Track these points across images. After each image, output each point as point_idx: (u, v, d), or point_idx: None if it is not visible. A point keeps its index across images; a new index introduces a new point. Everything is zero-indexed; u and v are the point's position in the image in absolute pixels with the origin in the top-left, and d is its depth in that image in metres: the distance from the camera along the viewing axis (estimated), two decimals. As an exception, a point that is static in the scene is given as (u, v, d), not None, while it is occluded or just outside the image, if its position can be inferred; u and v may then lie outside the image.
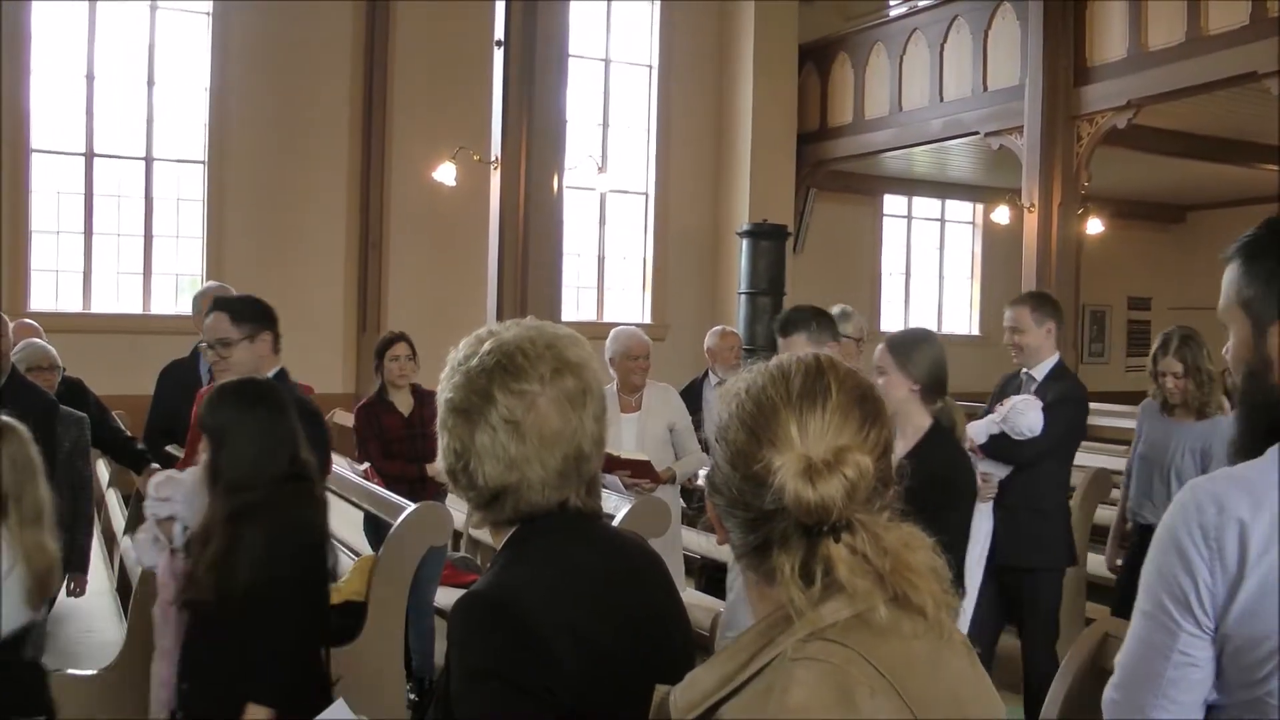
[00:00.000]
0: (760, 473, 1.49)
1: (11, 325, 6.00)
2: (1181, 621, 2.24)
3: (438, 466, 2.10)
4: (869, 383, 1.61)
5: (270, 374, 4.78)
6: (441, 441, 2.05)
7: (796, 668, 1.41)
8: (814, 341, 5.15)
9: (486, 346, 2.02)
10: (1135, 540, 6.31)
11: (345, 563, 6.25)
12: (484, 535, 8.14)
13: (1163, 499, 5.77)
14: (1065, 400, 5.66)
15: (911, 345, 4.50)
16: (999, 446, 5.57)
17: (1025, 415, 5.50)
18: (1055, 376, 5.80)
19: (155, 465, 6.23)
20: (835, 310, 8.18)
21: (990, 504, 5.45)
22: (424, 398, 6.91)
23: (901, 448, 4.07)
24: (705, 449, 8.03)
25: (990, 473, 5.53)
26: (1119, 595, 6.26)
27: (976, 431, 5.55)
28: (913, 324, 18.53)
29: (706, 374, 8.69)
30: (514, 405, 1.97)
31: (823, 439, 1.50)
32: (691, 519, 7.89)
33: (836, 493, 1.46)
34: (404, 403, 7.00)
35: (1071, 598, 7.37)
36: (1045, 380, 5.81)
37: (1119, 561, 6.68)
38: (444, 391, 2.05)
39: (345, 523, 8.25)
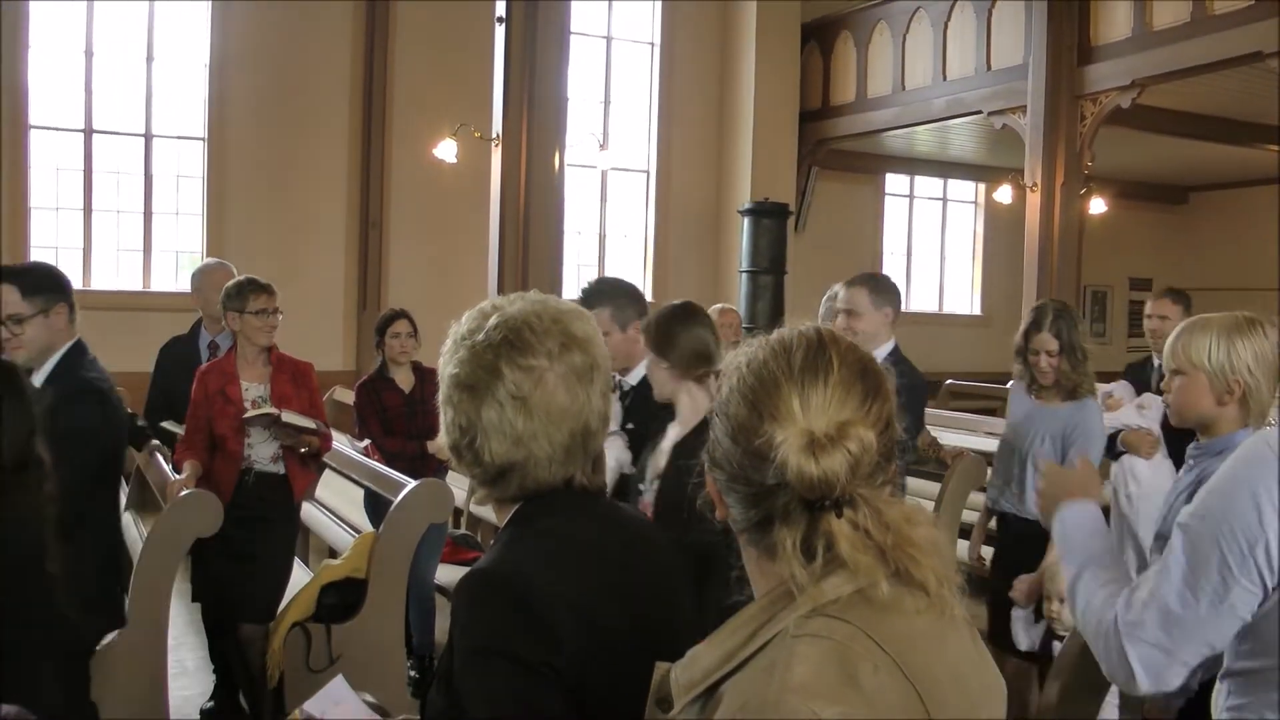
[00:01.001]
0: (762, 447, 1.48)
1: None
2: (1239, 574, 2.24)
3: (441, 442, 2.09)
4: (870, 356, 1.59)
5: (64, 349, 4.61)
6: (445, 417, 2.04)
7: (799, 644, 1.40)
8: (617, 319, 4.91)
9: (492, 321, 2.01)
10: (1000, 534, 5.76)
11: (346, 540, 6.26)
12: (484, 512, 8.17)
13: (1020, 488, 5.46)
14: (900, 390, 5.37)
15: (666, 326, 4.14)
16: None
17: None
18: (892, 364, 5.53)
19: (155, 442, 6.23)
20: (838, 288, 8.11)
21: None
22: (425, 375, 6.91)
23: (677, 433, 3.95)
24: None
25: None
26: (991, 603, 5.48)
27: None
28: (914, 304, 18.54)
29: (707, 352, 8.68)
30: (521, 381, 1.96)
31: (824, 413, 1.48)
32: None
33: (839, 467, 1.45)
34: (405, 380, 6.99)
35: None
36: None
37: (981, 554, 6.10)
38: (448, 366, 2.03)
39: (345, 500, 8.27)
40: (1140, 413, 6.06)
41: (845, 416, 1.49)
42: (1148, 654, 2.36)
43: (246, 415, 5.66)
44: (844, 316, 5.53)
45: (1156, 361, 6.10)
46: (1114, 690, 4.29)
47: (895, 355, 5.38)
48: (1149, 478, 5.88)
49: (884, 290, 5.64)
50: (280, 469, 5.75)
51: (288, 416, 5.66)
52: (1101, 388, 6.14)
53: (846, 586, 1.45)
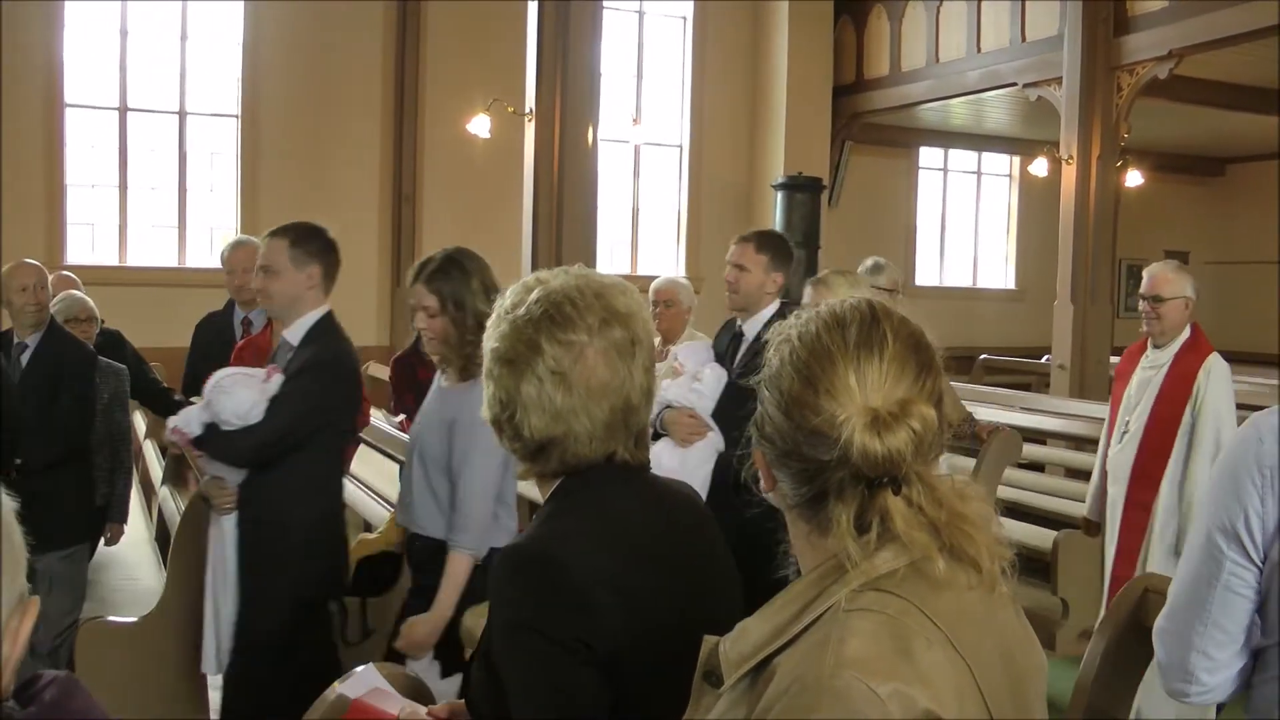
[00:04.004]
0: (821, 425, 1.47)
1: (50, 278, 6.03)
2: (1227, 550, 2.26)
3: (483, 416, 2.08)
4: (921, 330, 1.57)
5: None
6: (486, 391, 2.04)
7: (852, 618, 1.40)
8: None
9: (534, 295, 2.00)
10: None
11: (382, 514, 6.28)
12: (521, 487, 8.16)
13: (408, 499, 4.36)
14: (308, 370, 4.38)
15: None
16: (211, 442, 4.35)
17: (233, 395, 4.27)
18: (313, 337, 4.45)
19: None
20: (869, 262, 8.16)
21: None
22: None
23: None
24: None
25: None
26: None
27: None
28: (948, 279, 18.47)
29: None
30: (561, 356, 1.95)
31: (880, 389, 1.47)
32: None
33: (904, 445, 1.44)
34: None
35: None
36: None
37: None
38: (489, 340, 2.03)
39: (381, 475, 8.29)
40: (692, 387, 4.92)
41: (902, 393, 1.48)
42: (1170, 645, 2.38)
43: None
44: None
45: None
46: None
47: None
48: (672, 466, 4.64)
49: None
50: None
51: None
52: (672, 349, 5.53)
53: (898, 561, 1.45)
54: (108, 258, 12.95)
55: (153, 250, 13.23)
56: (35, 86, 12.30)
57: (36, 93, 12.31)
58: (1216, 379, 5.53)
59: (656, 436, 4.80)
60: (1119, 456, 5.75)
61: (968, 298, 18.28)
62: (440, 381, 4.33)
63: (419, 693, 2.49)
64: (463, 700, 2.13)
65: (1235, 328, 19.50)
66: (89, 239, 12.95)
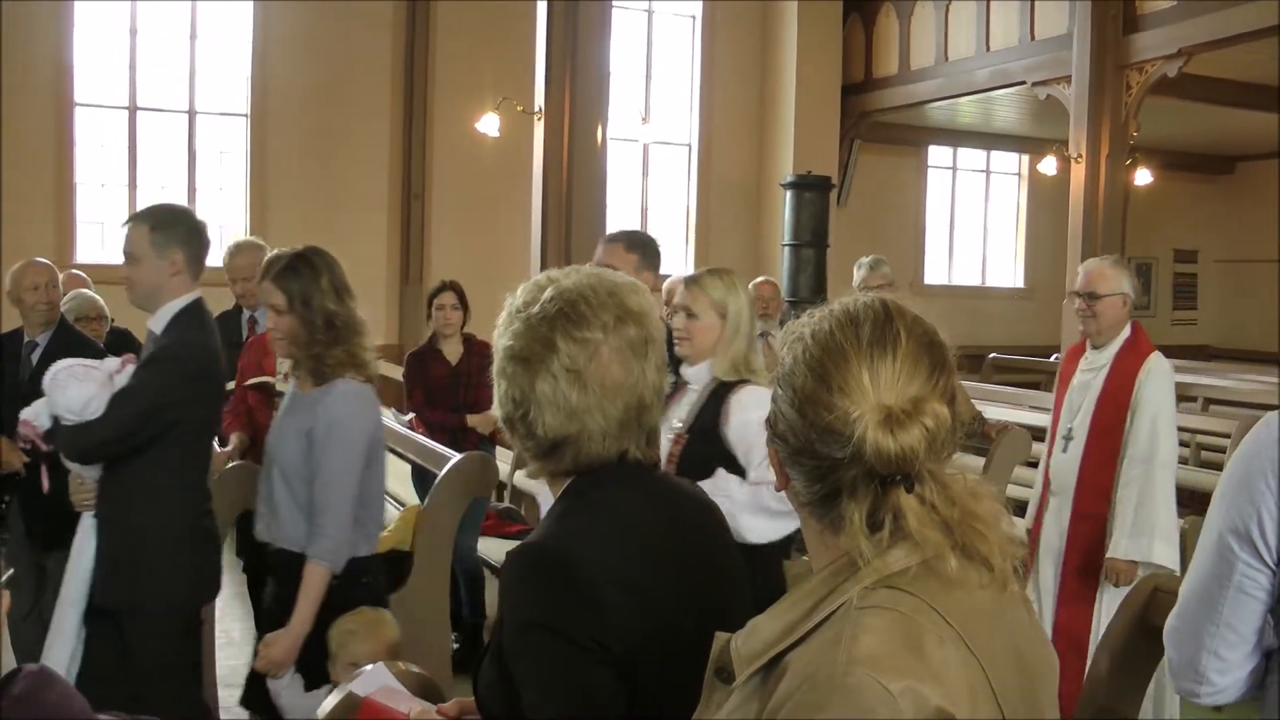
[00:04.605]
0: (834, 423, 1.47)
1: (60, 277, 6.04)
2: (1239, 551, 2.25)
3: (495, 414, 2.09)
4: (934, 328, 1.58)
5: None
6: (499, 389, 2.04)
7: (865, 615, 1.40)
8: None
9: (548, 293, 2.00)
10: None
11: (391, 513, 6.29)
12: (527, 485, 8.17)
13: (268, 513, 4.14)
14: (155, 362, 4.19)
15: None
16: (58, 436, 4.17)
17: (66, 390, 4.08)
18: (172, 327, 4.24)
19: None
20: (867, 259, 8.22)
21: None
22: (474, 348, 6.94)
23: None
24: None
25: None
26: None
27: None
28: (957, 277, 18.45)
29: (749, 325, 8.65)
30: (576, 353, 1.95)
31: (893, 387, 1.48)
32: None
33: (918, 443, 1.44)
34: (452, 352, 7.02)
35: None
36: None
37: None
38: (502, 339, 2.03)
39: (392, 475, 8.29)
40: None
41: (915, 391, 1.48)
42: (1181, 645, 2.37)
43: (248, 383, 5.65)
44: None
45: None
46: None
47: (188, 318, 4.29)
48: None
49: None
50: None
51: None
52: None
53: (910, 559, 1.45)
54: (117, 256, 12.84)
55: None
56: (45, 85, 12.31)
57: (46, 92, 12.32)
58: (1156, 378, 5.23)
59: None
60: (1062, 464, 5.43)
61: (976, 296, 18.25)
62: (293, 387, 4.16)
63: (430, 690, 2.50)
64: (472, 698, 2.13)
65: (1245, 326, 19.51)
66: (99, 238, 12.95)
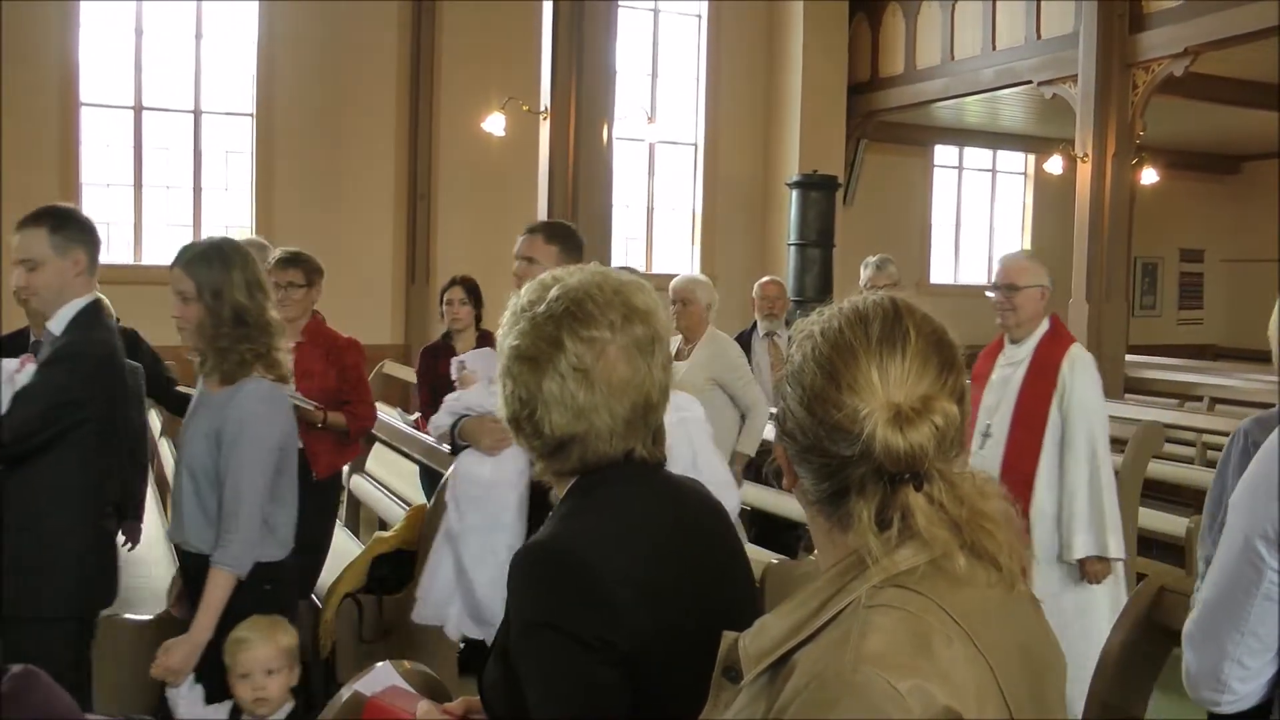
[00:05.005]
0: (843, 420, 1.47)
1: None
2: (1268, 557, 2.21)
3: (499, 414, 2.08)
4: (944, 327, 1.58)
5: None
6: (505, 389, 2.03)
7: (873, 614, 1.40)
8: None
9: (554, 293, 2.00)
10: None
11: (397, 513, 6.28)
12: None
13: (176, 514, 4.10)
14: (55, 362, 4.14)
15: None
16: None
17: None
18: (72, 327, 4.24)
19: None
20: (873, 259, 8.23)
21: None
22: (488, 341, 6.91)
23: None
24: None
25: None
26: None
27: None
28: (963, 276, 18.43)
29: (755, 325, 8.66)
30: (584, 353, 1.95)
31: (902, 385, 1.48)
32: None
33: (927, 441, 1.44)
34: (465, 347, 6.99)
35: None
36: None
37: None
38: (508, 338, 2.03)
39: (396, 473, 8.31)
40: (491, 391, 4.06)
41: (924, 389, 1.48)
42: (1202, 653, 2.34)
43: None
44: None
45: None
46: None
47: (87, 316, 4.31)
48: (487, 476, 4.24)
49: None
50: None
51: None
52: (461, 358, 5.15)
53: (919, 557, 1.45)
54: (123, 256, 12.95)
55: (168, 249, 13.01)
56: (51, 85, 12.32)
57: (52, 92, 12.32)
58: (1081, 371, 5.19)
59: (456, 449, 4.43)
60: (982, 462, 5.18)
61: (982, 296, 18.15)
62: (201, 386, 4.03)
63: (435, 689, 2.50)
64: (478, 698, 2.12)
65: (1251, 326, 19.44)
66: (104, 238, 12.86)
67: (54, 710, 1.41)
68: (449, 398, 4.58)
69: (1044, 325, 5.37)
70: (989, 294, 5.48)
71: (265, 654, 3.51)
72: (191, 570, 3.92)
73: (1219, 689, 2.32)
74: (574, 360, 1.95)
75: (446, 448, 4.68)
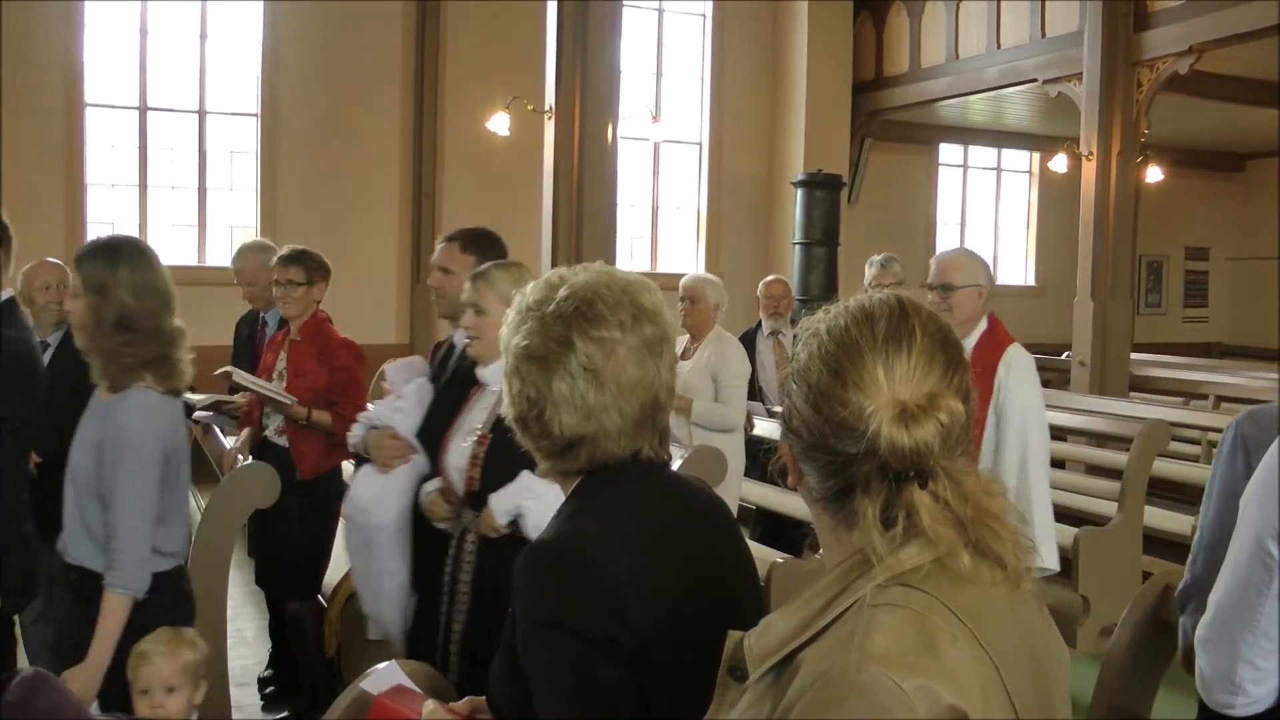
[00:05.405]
0: (848, 418, 1.47)
1: (71, 277, 6.05)
2: None
3: (505, 414, 2.08)
4: (949, 326, 1.58)
5: None
6: (512, 388, 2.03)
7: (878, 613, 1.40)
8: None
9: (562, 292, 1.99)
10: None
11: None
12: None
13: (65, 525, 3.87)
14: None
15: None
16: None
17: None
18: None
19: (207, 414, 6.30)
20: (879, 258, 8.23)
21: None
22: None
23: None
24: (760, 398, 7.99)
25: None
26: None
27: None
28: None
29: (760, 324, 8.66)
30: (594, 353, 1.95)
31: (908, 383, 1.48)
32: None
33: (932, 438, 1.45)
34: None
35: (1129, 553, 7.34)
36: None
37: None
38: (514, 337, 2.02)
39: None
40: (395, 406, 4.14)
41: (930, 387, 1.48)
42: (1215, 656, 2.32)
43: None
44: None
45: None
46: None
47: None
48: (364, 498, 4.00)
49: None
50: (284, 441, 5.62)
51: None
52: (383, 366, 4.93)
53: (923, 556, 1.45)
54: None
55: (173, 249, 13.18)
56: (56, 86, 12.33)
57: (57, 92, 12.34)
58: (1018, 373, 4.97)
59: (360, 461, 4.18)
60: None
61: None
62: (96, 393, 3.79)
63: (441, 689, 2.50)
64: (483, 697, 2.13)
65: (1256, 324, 19.46)
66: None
67: (62, 713, 1.41)
68: (367, 409, 4.41)
69: (982, 325, 5.13)
70: (930, 295, 5.23)
71: (166, 670, 3.38)
72: (72, 583, 3.71)
73: (1233, 691, 2.31)
74: (584, 360, 1.95)
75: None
